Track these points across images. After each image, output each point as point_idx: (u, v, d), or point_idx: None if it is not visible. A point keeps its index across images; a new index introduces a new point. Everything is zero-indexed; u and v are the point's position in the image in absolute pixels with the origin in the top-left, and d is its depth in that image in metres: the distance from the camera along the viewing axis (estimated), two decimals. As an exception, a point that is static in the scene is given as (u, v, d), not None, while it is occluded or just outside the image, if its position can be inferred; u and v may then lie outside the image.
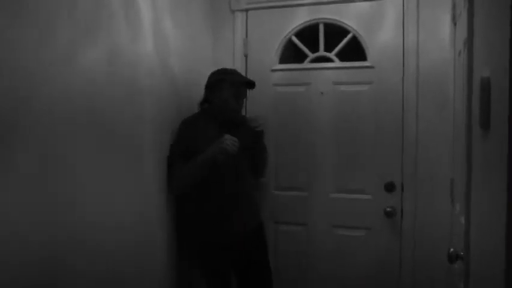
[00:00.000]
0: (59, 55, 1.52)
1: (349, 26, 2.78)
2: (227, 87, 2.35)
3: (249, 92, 2.89)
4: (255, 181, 2.64)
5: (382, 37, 2.73)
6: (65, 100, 1.54)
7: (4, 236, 1.30)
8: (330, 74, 2.83)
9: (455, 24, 2.23)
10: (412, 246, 2.67)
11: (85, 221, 1.65)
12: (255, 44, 2.97)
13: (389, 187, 2.70)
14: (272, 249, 2.90)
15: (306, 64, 2.90)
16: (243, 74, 2.93)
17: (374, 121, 2.74)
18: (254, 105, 2.94)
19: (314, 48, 2.88)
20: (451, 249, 1.77)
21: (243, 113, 2.73)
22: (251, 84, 2.43)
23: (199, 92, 2.49)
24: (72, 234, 1.59)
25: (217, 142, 2.17)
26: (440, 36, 2.59)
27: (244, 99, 2.51)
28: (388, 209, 2.69)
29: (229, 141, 2.14)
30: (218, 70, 2.47)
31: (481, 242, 1.26)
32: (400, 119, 2.69)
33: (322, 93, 2.83)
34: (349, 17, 2.78)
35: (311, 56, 2.88)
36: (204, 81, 2.44)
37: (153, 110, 2.18)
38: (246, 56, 2.98)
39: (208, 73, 2.45)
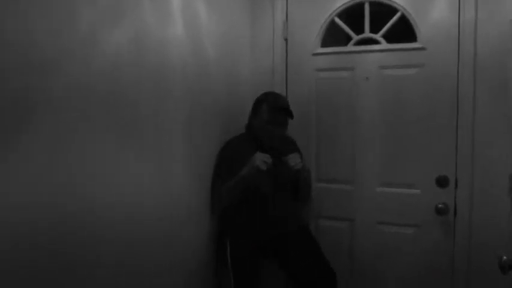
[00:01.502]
0: (80, 37, 1.44)
1: (397, 3, 2.52)
2: (265, 111, 2.32)
3: (290, 78, 2.75)
4: (301, 204, 2.58)
5: (434, 15, 2.45)
6: (84, 83, 1.47)
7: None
8: (375, 57, 2.60)
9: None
10: (467, 248, 2.41)
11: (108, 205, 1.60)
12: (296, 27, 2.77)
13: (442, 181, 2.45)
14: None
15: (350, 47, 2.67)
16: (283, 58, 2.78)
17: (424, 108, 2.48)
18: (295, 91, 2.76)
19: (359, 29, 2.65)
20: (504, 257, 1.52)
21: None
22: (289, 112, 2.33)
23: (236, 79, 2.36)
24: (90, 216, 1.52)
25: (249, 161, 2.15)
26: (503, 14, 2.29)
27: (284, 126, 2.38)
28: (440, 206, 2.44)
29: (260, 158, 2.11)
30: (264, 92, 2.45)
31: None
32: (454, 106, 2.41)
33: (367, 78, 2.60)
34: (397, -6, 2.53)
35: (355, 38, 2.65)
36: (242, 67, 2.31)
37: (182, 95, 2.07)
38: (286, 39, 2.80)
39: (247, 59, 2.35)
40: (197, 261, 2.26)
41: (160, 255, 1.94)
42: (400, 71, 2.54)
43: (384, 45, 2.59)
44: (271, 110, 2.31)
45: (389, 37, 2.58)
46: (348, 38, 2.69)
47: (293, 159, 2.20)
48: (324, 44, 2.75)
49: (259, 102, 2.38)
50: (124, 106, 1.67)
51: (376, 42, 2.61)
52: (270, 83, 2.79)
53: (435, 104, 2.46)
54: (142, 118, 1.79)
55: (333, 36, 2.80)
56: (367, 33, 2.64)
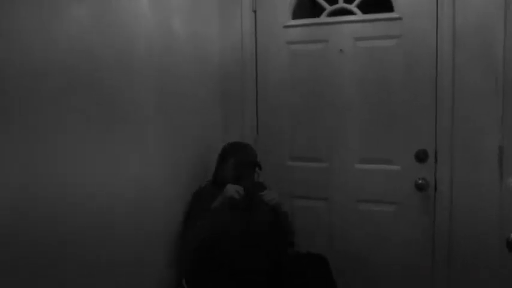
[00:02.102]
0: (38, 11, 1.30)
1: (372, -29, 2.41)
2: (232, 167, 2.21)
3: (260, 53, 2.61)
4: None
5: (411, -17, 2.35)
6: (43, 60, 1.33)
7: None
8: (350, 28, 2.47)
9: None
10: (447, 224, 2.35)
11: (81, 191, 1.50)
12: (265, -2, 2.62)
13: (421, 156, 2.37)
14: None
15: (323, 18, 2.54)
16: (252, 32, 2.63)
17: (402, 80, 2.39)
18: (265, 67, 2.63)
19: (332, 0, 2.52)
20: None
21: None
22: (258, 165, 2.24)
23: (205, 58, 2.21)
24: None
25: (221, 193, 2.09)
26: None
27: (256, 174, 2.26)
28: (420, 181, 2.37)
29: (232, 188, 2.06)
30: (230, 144, 2.33)
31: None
32: (433, 78, 2.33)
33: (341, 50, 2.48)
34: (371, -39, 2.41)
35: (329, 8, 2.53)
36: (210, 45, 2.16)
37: (150, 74, 1.92)
38: (254, 11, 2.64)
39: (214, 35, 2.34)
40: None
41: (134, 245, 1.82)
42: (377, 42, 2.44)
43: (359, 15, 2.47)
44: (239, 165, 2.20)
45: (365, 7, 2.47)
46: (321, 9, 2.55)
47: (268, 195, 2.16)
48: (296, 16, 2.61)
49: (226, 156, 2.26)
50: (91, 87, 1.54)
51: (350, 12, 2.49)
52: (239, 61, 2.65)
53: (413, 76, 2.37)
54: (111, 99, 1.65)
55: (304, 7, 2.66)
56: (341, 4, 2.52)
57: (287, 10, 2.58)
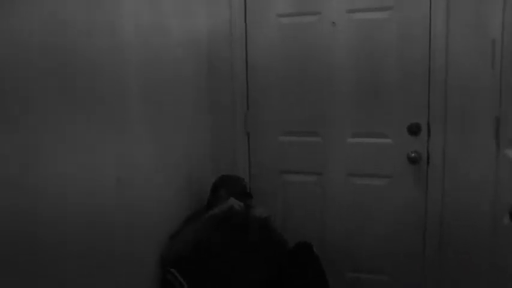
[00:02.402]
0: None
1: None
2: (224, 197, 2.21)
3: (250, 27, 2.56)
4: None
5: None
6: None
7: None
8: (342, 0, 2.42)
9: None
10: (440, 197, 2.35)
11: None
12: (255, -31, 2.55)
13: (414, 129, 2.35)
14: (280, 202, 2.64)
15: (315, -11, 2.49)
16: (241, 5, 2.56)
17: (396, 53, 2.35)
18: (256, 40, 2.57)
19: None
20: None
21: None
22: (248, 195, 2.30)
23: (192, 29, 2.16)
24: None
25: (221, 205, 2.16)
26: None
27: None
28: (412, 155, 2.35)
29: (234, 200, 2.14)
30: (220, 177, 2.37)
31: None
32: (427, 49, 2.29)
33: (334, 23, 2.44)
34: None
35: (321, -21, 2.47)
36: (197, 20, 2.19)
37: (139, 53, 1.86)
38: (243, -16, 2.58)
39: (202, 12, 2.33)
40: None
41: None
42: (369, 14, 2.39)
43: (352, -14, 2.42)
44: (230, 196, 2.21)
45: (357, -22, 2.41)
46: (313, -20, 2.49)
47: (259, 209, 2.21)
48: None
49: (217, 188, 2.31)
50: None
51: (343, -17, 2.44)
52: (228, 36, 2.60)
53: (407, 48, 2.33)
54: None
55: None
56: (333, -25, 2.46)
57: (278, -19, 2.52)
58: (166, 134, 2.16)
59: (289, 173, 2.64)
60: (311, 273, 2.14)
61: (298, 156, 2.60)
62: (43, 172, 1.36)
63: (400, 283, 2.49)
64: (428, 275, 2.42)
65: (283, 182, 2.64)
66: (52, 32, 1.39)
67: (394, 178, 2.44)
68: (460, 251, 2.35)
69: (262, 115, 2.62)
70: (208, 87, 2.64)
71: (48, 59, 1.37)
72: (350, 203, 2.53)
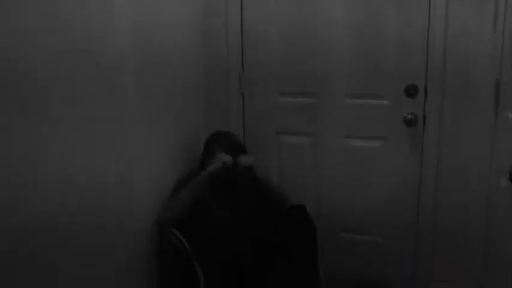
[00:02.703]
0: None
1: None
2: (218, 154, 2.21)
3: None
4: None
5: None
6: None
7: None
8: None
9: None
10: (435, 160, 2.34)
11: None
12: None
13: (411, 91, 2.31)
14: (275, 163, 2.63)
15: None
16: None
17: (393, 13, 2.28)
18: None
19: None
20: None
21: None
22: (243, 149, 2.31)
23: None
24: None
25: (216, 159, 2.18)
26: None
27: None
28: (409, 117, 2.33)
29: (224, 156, 2.16)
30: (211, 134, 2.34)
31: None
32: (426, 8, 2.22)
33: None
34: None
35: None
36: None
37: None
38: None
39: None
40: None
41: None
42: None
43: None
44: (226, 150, 2.22)
45: None
46: None
47: (244, 158, 2.21)
48: None
49: (209, 145, 2.30)
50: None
51: None
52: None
53: (405, 8, 2.26)
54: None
55: None
56: None
57: None
58: (160, 95, 2.13)
59: (284, 134, 2.62)
60: (303, 237, 2.16)
61: (294, 117, 2.57)
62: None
63: (393, 245, 2.52)
64: (422, 238, 2.44)
65: (279, 143, 2.62)
66: None
67: (389, 140, 2.42)
68: (455, 214, 2.35)
69: (259, 75, 2.58)
70: (203, 48, 2.58)
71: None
72: (345, 164, 2.52)
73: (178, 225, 2.05)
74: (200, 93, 2.60)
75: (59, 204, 1.49)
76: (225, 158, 2.16)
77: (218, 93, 2.62)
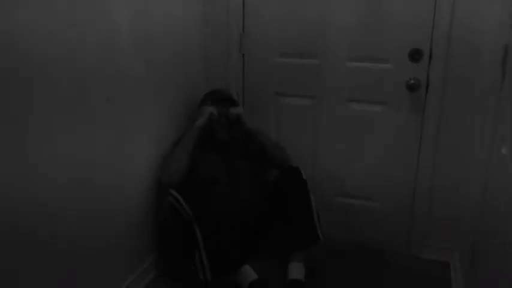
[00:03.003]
0: None
1: None
2: (210, 104, 2.30)
3: None
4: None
5: None
6: None
7: None
8: None
9: None
10: (436, 126, 2.30)
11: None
12: None
13: (415, 55, 2.25)
14: (273, 125, 2.61)
15: None
16: None
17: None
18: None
19: None
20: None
21: None
22: (233, 101, 2.35)
23: None
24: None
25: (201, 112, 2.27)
26: None
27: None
28: (412, 81, 2.28)
29: (208, 108, 2.25)
30: (204, 94, 2.39)
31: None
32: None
33: None
34: None
35: None
36: None
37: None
38: None
39: None
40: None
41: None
42: None
43: None
44: (216, 103, 2.29)
45: None
46: None
47: (234, 109, 2.28)
48: None
49: (202, 101, 2.36)
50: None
51: None
52: None
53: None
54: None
55: None
56: None
57: None
58: (158, 55, 2.10)
59: (284, 95, 2.57)
60: (298, 199, 2.17)
61: (294, 78, 2.52)
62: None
63: (390, 210, 2.52)
64: (419, 203, 2.44)
65: (278, 105, 2.58)
66: None
67: (391, 105, 2.38)
68: (453, 182, 2.35)
69: (260, 36, 2.51)
70: (204, 9, 2.53)
71: None
72: (345, 128, 2.49)
73: (177, 188, 2.04)
74: (201, 54, 2.55)
75: (61, 165, 1.48)
76: (209, 109, 2.24)
77: (219, 54, 2.58)
